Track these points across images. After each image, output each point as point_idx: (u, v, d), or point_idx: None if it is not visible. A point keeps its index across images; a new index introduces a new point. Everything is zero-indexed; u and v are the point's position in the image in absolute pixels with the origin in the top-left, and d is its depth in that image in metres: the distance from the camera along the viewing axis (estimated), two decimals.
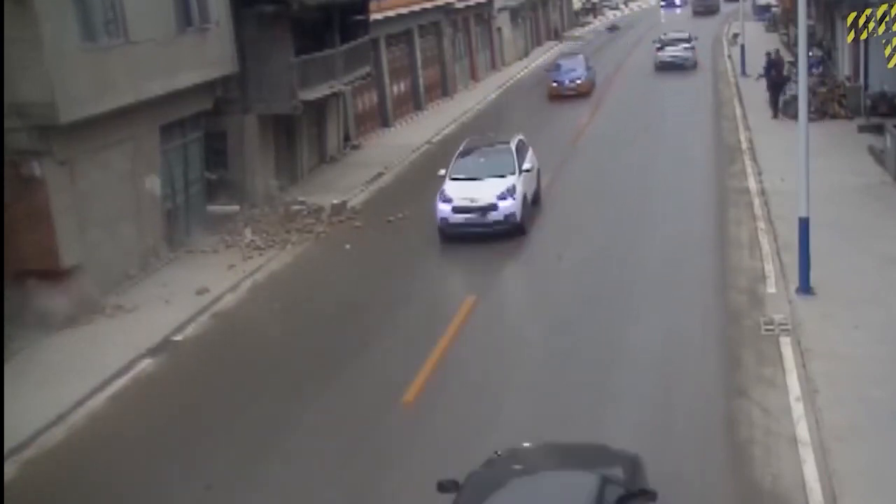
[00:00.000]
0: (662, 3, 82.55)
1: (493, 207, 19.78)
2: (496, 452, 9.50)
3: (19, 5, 15.42)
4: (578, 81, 38.71)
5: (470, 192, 19.98)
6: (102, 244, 17.85)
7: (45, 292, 16.51)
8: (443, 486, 8.82)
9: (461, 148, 22.36)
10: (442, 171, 21.20)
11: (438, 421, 12.71)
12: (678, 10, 76.59)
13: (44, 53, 15.81)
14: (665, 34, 48.22)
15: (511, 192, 20.04)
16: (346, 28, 27.65)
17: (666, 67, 43.62)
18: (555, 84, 38.94)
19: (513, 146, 21.59)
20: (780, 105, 30.75)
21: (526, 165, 21.24)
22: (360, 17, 29.12)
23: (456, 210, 19.87)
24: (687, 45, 44.68)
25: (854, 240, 17.82)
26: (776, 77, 31.47)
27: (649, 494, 8.47)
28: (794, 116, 18.83)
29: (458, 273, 18.66)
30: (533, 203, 21.75)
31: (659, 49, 45.12)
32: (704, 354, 13.97)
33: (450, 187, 20.42)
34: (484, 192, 19.95)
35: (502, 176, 20.37)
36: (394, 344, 15.44)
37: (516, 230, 20.01)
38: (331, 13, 26.58)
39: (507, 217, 19.82)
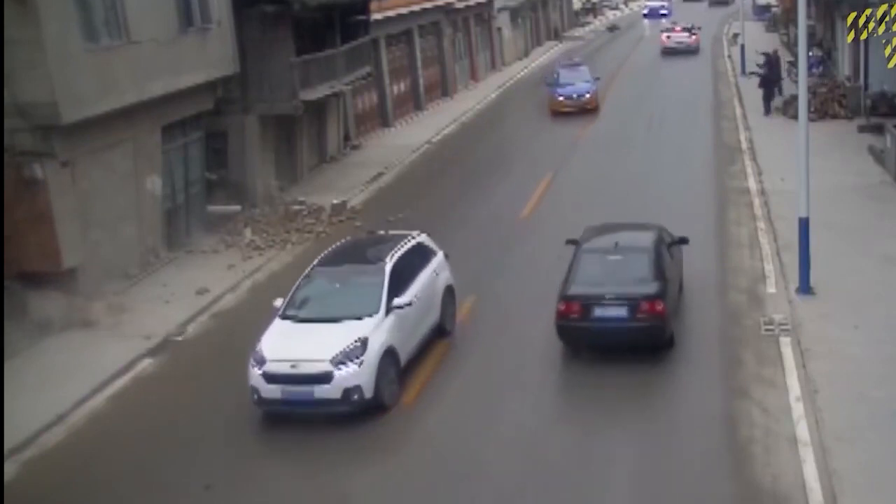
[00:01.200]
0: (645, 13, 74.94)
1: (324, 378, 12.48)
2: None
3: (21, 6, 15.42)
4: (588, 95, 34.69)
5: (294, 348, 12.91)
6: (103, 244, 17.86)
7: (45, 293, 16.52)
8: (569, 241, 15.82)
9: (324, 254, 15.32)
10: (278, 302, 14.03)
11: (438, 424, 12.71)
12: (664, 21, 65.59)
13: (46, 54, 15.81)
14: (673, 23, 56.62)
15: (357, 351, 12.61)
16: (346, 28, 27.65)
17: (671, 52, 50.40)
18: (561, 98, 34.86)
19: (387, 266, 13.91)
20: (775, 102, 31.09)
21: (404, 299, 13.63)
22: (360, 17, 29.12)
23: (269, 378, 12.67)
24: (690, 32, 51.49)
25: (854, 240, 17.83)
26: (769, 74, 31.86)
27: (685, 239, 15.81)
28: (794, 116, 18.86)
29: (459, 272, 18.61)
30: (444, 332, 14.99)
31: (667, 37, 51.67)
32: (704, 354, 13.97)
33: (270, 337, 13.31)
34: (314, 347, 12.78)
35: (356, 318, 13.07)
36: None
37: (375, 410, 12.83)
38: (332, 13, 26.58)
39: (346, 394, 12.47)
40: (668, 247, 14.97)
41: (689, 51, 50.45)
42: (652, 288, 13.68)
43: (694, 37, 51.32)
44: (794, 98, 22.54)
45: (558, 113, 34.81)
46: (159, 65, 18.99)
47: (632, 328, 13.58)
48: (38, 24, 15.66)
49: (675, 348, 14.17)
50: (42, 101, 15.94)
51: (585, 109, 34.59)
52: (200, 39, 20.99)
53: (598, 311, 13.65)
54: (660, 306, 13.41)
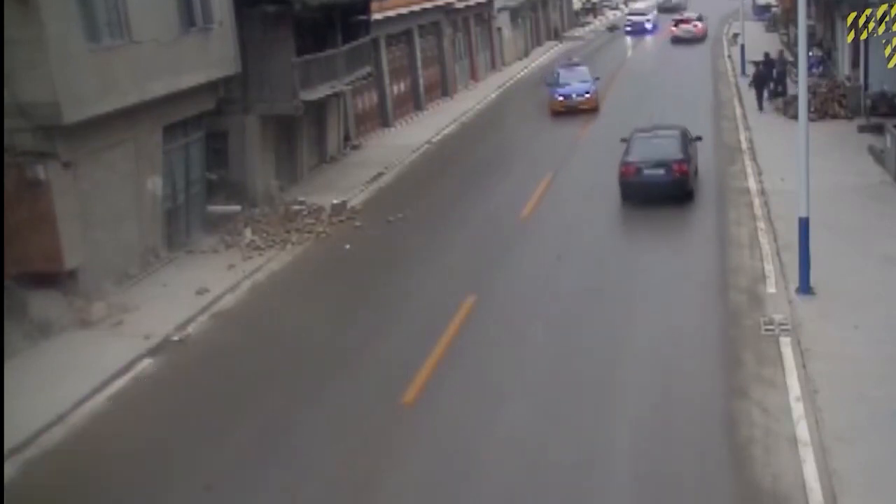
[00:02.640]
0: (627, 28, 63.07)
1: None
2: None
3: (24, 5, 15.43)
4: (587, 95, 34.91)
5: None
6: (104, 244, 17.86)
7: (46, 293, 16.53)
8: (623, 139, 23.61)
9: None
10: None
11: (438, 424, 12.72)
12: (648, 37, 59.00)
13: (48, 54, 15.81)
14: (681, 14, 61.59)
15: None
16: (347, 28, 27.66)
17: (679, 41, 55.58)
18: (560, 98, 35.07)
19: None
20: (776, 102, 31.39)
21: None
22: (361, 17, 29.12)
23: None
24: (696, 23, 56.92)
25: (854, 240, 17.83)
26: (764, 71, 32.51)
27: (700, 137, 23.68)
28: (794, 116, 18.86)
29: (459, 273, 18.65)
30: None
31: (674, 27, 57.08)
32: (704, 354, 13.98)
33: None
34: None
35: None
36: (394, 343, 15.44)
37: None
38: (332, 13, 26.58)
39: None
40: (689, 140, 23.17)
41: (696, 39, 55.41)
42: (680, 155, 21.79)
43: (700, 26, 56.53)
44: (794, 98, 22.53)
45: (558, 113, 34.97)
46: (161, 65, 18.99)
47: (667, 181, 21.46)
48: (40, 24, 15.66)
49: (675, 348, 14.18)
50: (44, 101, 15.94)
51: (584, 109, 34.71)
52: (202, 39, 20.99)
53: (647, 171, 21.67)
54: (685, 167, 21.52)
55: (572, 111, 34.74)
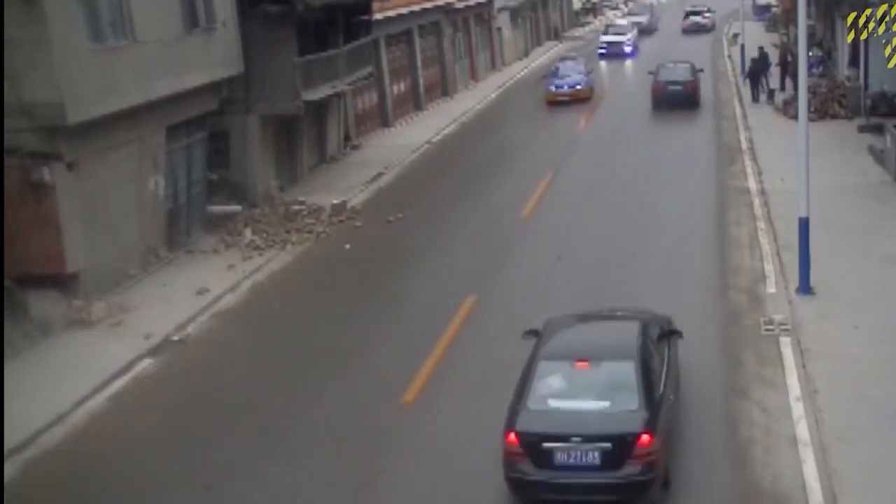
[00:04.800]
0: (601, 51, 51.72)
1: None
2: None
3: (28, 5, 15.43)
4: (578, 87, 37.51)
5: None
6: (105, 244, 17.85)
7: (46, 293, 16.53)
8: (650, 72, 33.01)
9: None
10: None
11: (438, 424, 12.72)
12: (629, 61, 50.06)
13: (52, 54, 15.81)
14: (692, 6, 65.04)
15: None
16: (348, 28, 27.66)
17: (690, 30, 60.62)
18: (553, 89, 37.75)
19: None
20: (775, 102, 31.90)
21: None
22: (363, 18, 29.12)
23: None
24: (706, 15, 62.41)
25: (854, 240, 17.83)
26: (760, 65, 33.76)
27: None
28: (794, 116, 18.86)
29: (459, 273, 18.65)
30: None
31: (685, 18, 62.70)
32: (704, 354, 13.97)
33: None
34: None
35: None
36: (394, 343, 15.44)
37: None
38: (335, 13, 26.58)
39: None
40: (696, 70, 31.47)
41: (705, 30, 60.67)
42: (691, 77, 31.77)
43: (708, 18, 62.14)
44: (794, 98, 22.53)
45: (553, 103, 37.15)
46: (164, 65, 18.99)
47: (683, 93, 31.05)
48: (44, 24, 15.66)
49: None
50: (48, 102, 15.94)
51: (578, 99, 37.09)
52: (205, 40, 21.00)
53: (670, 87, 31.81)
54: (695, 85, 31.82)
55: (566, 101, 36.97)
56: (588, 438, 9.82)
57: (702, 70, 36.32)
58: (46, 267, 16.54)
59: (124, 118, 17.91)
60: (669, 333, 12.02)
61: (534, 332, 11.97)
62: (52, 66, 15.83)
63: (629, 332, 11.30)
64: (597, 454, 9.81)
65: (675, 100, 33.50)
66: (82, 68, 16.55)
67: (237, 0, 22.43)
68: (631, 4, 77.00)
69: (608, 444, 9.78)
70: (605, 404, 10.19)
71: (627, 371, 10.36)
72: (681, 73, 34.58)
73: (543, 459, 9.90)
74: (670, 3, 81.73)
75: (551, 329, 11.85)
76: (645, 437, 9.73)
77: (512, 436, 10.08)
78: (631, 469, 9.74)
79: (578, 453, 9.84)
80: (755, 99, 33.52)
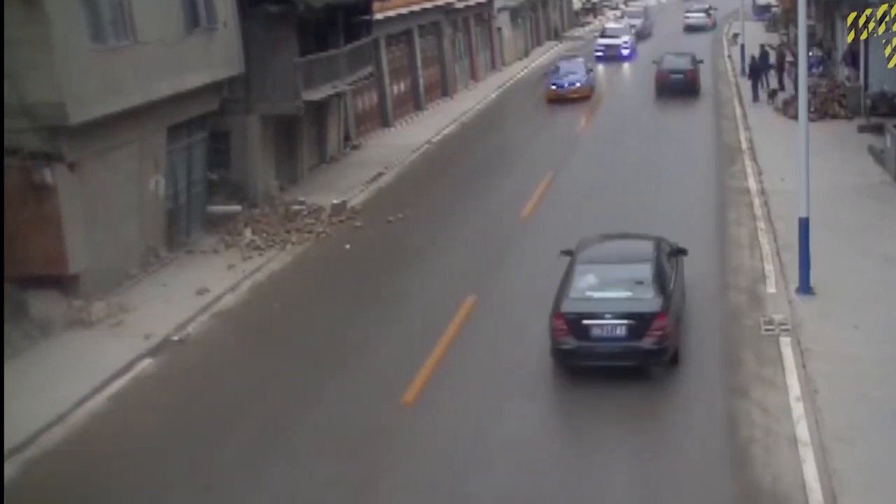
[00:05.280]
0: (598, 53, 50.11)
1: None
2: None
3: (29, 6, 15.42)
4: (578, 85, 37.98)
5: None
6: (105, 245, 17.84)
7: (46, 293, 16.53)
8: (654, 61, 37.05)
9: None
10: None
11: (438, 424, 12.73)
12: (626, 63, 49.03)
13: (53, 54, 15.80)
14: (692, 6, 67.37)
15: None
16: (348, 28, 27.66)
17: (690, 29, 61.68)
18: (553, 87, 38.21)
19: None
20: (775, 102, 31.92)
21: None
22: (363, 18, 29.12)
23: None
24: (706, 13, 63.97)
25: (854, 240, 17.84)
26: (761, 63, 34.14)
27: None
28: (794, 116, 18.86)
29: (459, 273, 18.65)
30: None
31: (686, 16, 64.20)
32: (704, 354, 13.98)
33: None
34: None
35: None
36: (394, 343, 15.44)
37: None
38: (335, 13, 26.57)
39: None
40: (696, 61, 35.40)
41: (706, 28, 61.62)
42: (691, 67, 35.32)
43: (709, 17, 63.66)
44: (794, 98, 22.54)
45: (554, 101, 37.65)
46: (166, 65, 18.99)
47: (684, 81, 35.38)
48: (45, 25, 15.65)
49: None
50: (49, 102, 15.94)
51: (578, 97, 37.56)
52: (206, 40, 21.00)
53: (672, 76, 34.73)
54: (694, 74, 35.17)
55: (565, 99, 37.54)
56: (617, 317, 12.91)
57: (702, 61, 39.46)
58: (48, 268, 16.56)
59: (125, 118, 17.91)
60: (677, 251, 15.12)
61: (568, 252, 14.83)
62: (53, 67, 15.83)
63: (646, 245, 14.54)
64: (623, 329, 12.88)
65: (677, 87, 36.37)
66: (83, 68, 16.54)
67: (238, 0, 22.43)
68: (624, 8, 76.14)
69: (632, 321, 12.83)
70: (628, 293, 13.29)
71: (645, 270, 13.58)
72: (682, 62, 37.44)
73: (582, 334, 13.00)
74: (670, 4, 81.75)
75: (584, 244, 15.03)
76: (659, 317, 12.82)
77: (558, 318, 13.09)
78: (648, 340, 12.78)
79: (609, 328, 12.94)
80: (756, 98, 33.68)
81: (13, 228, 16.12)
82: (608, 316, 12.95)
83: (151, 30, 18.62)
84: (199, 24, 20.71)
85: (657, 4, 79.70)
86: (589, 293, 13.46)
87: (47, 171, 16.28)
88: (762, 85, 34.10)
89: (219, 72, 21.55)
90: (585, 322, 12.98)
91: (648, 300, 13.09)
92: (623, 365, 13.15)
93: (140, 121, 18.58)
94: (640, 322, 12.81)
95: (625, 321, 12.88)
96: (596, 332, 12.97)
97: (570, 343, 13.03)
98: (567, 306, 13.22)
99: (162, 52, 18.92)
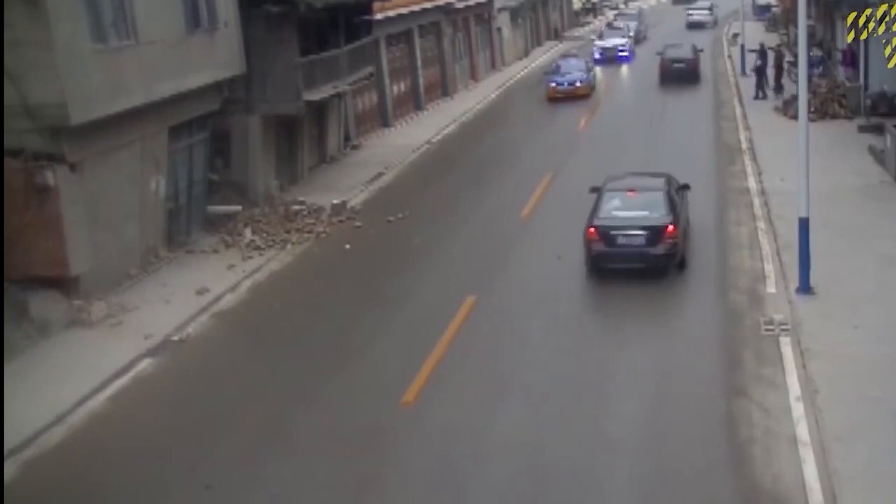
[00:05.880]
0: (596, 55, 49.05)
1: None
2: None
3: (31, 6, 15.42)
4: (578, 83, 38.50)
5: None
6: (105, 245, 17.84)
7: (46, 293, 16.53)
8: (658, 52, 40.67)
9: None
10: None
11: (438, 424, 12.73)
12: (625, 66, 48.63)
13: (55, 54, 15.79)
14: (693, 3, 70.42)
15: None
16: (349, 28, 27.65)
17: (692, 26, 63.26)
18: (553, 85, 38.70)
19: None
20: (776, 102, 32.13)
21: None
22: (364, 18, 29.12)
23: None
24: (708, 11, 66.12)
25: (854, 240, 17.84)
26: (763, 61, 34.24)
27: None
28: (794, 116, 18.85)
29: (459, 273, 18.65)
30: None
31: (689, 15, 65.95)
32: (704, 354, 13.98)
33: None
34: None
35: None
36: (394, 343, 15.44)
37: None
38: (336, 14, 26.57)
39: None
40: (697, 50, 37.83)
41: (708, 26, 63.47)
42: (692, 56, 39.98)
43: (712, 15, 65.90)
44: (794, 98, 22.53)
45: (554, 99, 38.15)
46: (167, 66, 18.99)
47: (685, 69, 39.32)
48: (47, 25, 15.64)
49: (675, 348, 14.19)
50: (51, 102, 15.92)
51: (578, 95, 38.08)
52: (208, 40, 21.00)
53: (674, 65, 39.58)
54: (696, 63, 39.30)
55: (565, 97, 38.01)
56: (637, 228, 16.65)
57: (702, 50, 43.28)
58: (50, 270, 16.55)
59: (128, 119, 17.90)
60: (683, 186, 19.02)
61: (595, 189, 18.41)
62: (55, 67, 15.81)
63: (658, 179, 18.45)
64: (642, 238, 16.64)
65: (679, 74, 39.82)
66: (85, 69, 16.53)
67: (239, 0, 22.43)
68: (618, 11, 75.60)
69: (648, 232, 16.58)
70: (646, 212, 16.97)
71: (658, 196, 17.37)
72: (684, 52, 41.05)
73: (611, 242, 16.80)
74: (661, 7, 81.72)
75: (610, 178, 18.70)
76: (670, 228, 16.60)
77: (592, 229, 16.92)
78: (661, 247, 16.56)
79: (631, 237, 16.71)
80: (757, 96, 33.78)
81: (15, 230, 16.11)
82: (630, 228, 16.69)
83: (153, 30, 18.62)
84: (201, 24, 20.71)
85: (648, 7, 79.68)
86: (615, 212, 17.20)
87: (49, 173, 16.27)
88: (766, 82, 34.24)
89: (220, 72, 21.55)
90: (613, 232, 16.79)
91: (661, 216, 16.82)
92: (641, 266, 16.87)
93: (142, 121, 18.58)
94: (654, 232, 16.60)
95: (643, 232, 16.62)
96: (621, 240, 16.78)
97: (601, 248, 16.82)
98: (599, 221, 17.01)
99: (164, 53, 18.92)
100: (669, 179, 18.42)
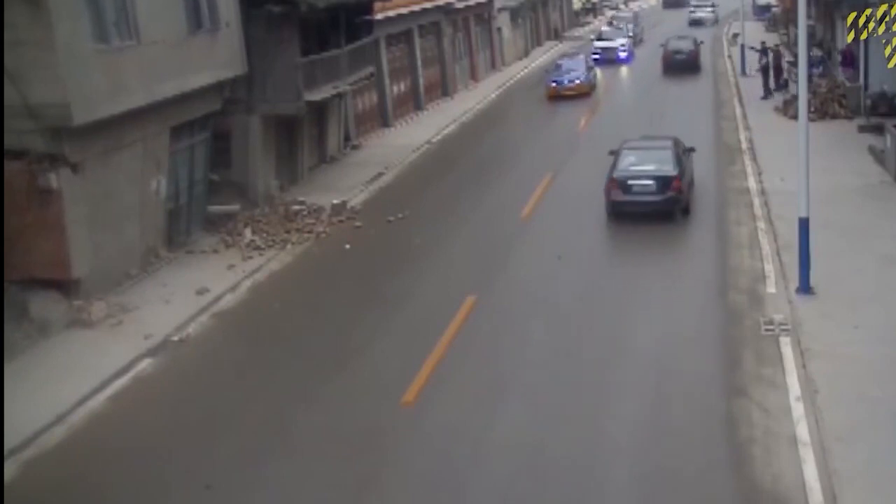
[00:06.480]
0: (596, 56, 48.09)
1: None
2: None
3: (33, 6, 15.42)
4: (577, 82, 38.81)
5: None
6: (106, 245, 17.83)
7: (46, 293, 16.53)
8: (661, 45, 44.94)
9: None
10: None
11: (438, 424, 12.72)
12: (624, 66, 48.64)
13: (58, 55, 15.78)
14: (686, 6, 74.40)
15: None
16: (349, 28, 27.65)
17: (694, 23, 65.92)
18: (553, 84, 38.99)
19: None
20: (776, 101, 32.26)
21: None
22: (365, 18, 29.10)
23: None
24: (710, 9, 69.30)
25: (854, 240, 17.83)
26: (766, 64, 34.64)
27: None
28: (794, 116, 18.85)
29: (459, 273, 18.65)
30: None
31: (691, 12, 69.54)
32: (704, 354, 13.99)
33: None
34: None
35: None
36: (394, 343, 15.44)
37: None
38: (337, 13, 26.57)
39: None
40: (698, 43, 42.28)
41: (710, 23, 66.09)
42: (693, 47, 43.80)
43: (713, 13, 69.06)
44: (794, 98, 22.52)
45: (555, 97, 38.54)
46: (169, 66, 18.99)
47: (687, 59, 43.13)
48: (49, 25, 15.63)
49: (675, 348, 14.21)
50: (54, 103, 15.91)
51: (578, 94, 38.46)
52: (209, 40, 21.00)
53: (676, 56, 43.37)
54: (696, 53, 43.30)
55: (565, 96, 38.43)
56: (649, 178, 20.11)
57: (702, 42, 47.28)
58: (51, 272, 16.55)
59: (129, 119, 17.90)
60: (688, 149, 22.48)
61: (613, 152, 21.70)
62: (57, 67, 15.80)
63: (668, 140, 21.89)
64: (653, 186, 20.03)
65: (681, 64, 43.07)
66: (87, 69, 16.52)
67: (240, 0, 22.43)
68: (614, 13, 75.31)
69: (658, 181, 20.01)
70: (656, 166, 20.37)
71: (667, 153, 20.86)
72: (684, 44, 44.44)
73: (627, 189, 20.23)
74: (652, 10, 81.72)
75: (626, 140, 22.34)
76: (676, 179, 20.02)
77: (612, 181, 20.41)
78: (669, 193, 19.96)
79: (644, 185, 20.11)
80: (766, 96, 33.89)
81: (16, 232, 16.10)
82: (643, 178, 20.09)
83: (155, 30, 18.61)
84: (203, 24, 20.71)
85: (647, 8, 79.71)
86: (631, 167, 20.56)
87: (53, 175, 16.26)
88: (770, 80, 34.44)
89: (222, 72, 21.55)
90: (629, 182, 20.19)
91: (669, 169, 20.20)
92: (653, 210, 20.15)
93: (143, 121, 18.57)
94: (663, 182, 19.98)
95: (653, 181, 20.00)
96: (636, 188, 20.15)
97: (620, 196, 20.23)
98: (617, 174, 20.47)
99: (166, 53, 18.92)
100: (677, 142, 21.80)
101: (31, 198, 16.26)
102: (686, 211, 20.42)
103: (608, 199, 20.43)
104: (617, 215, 20.53)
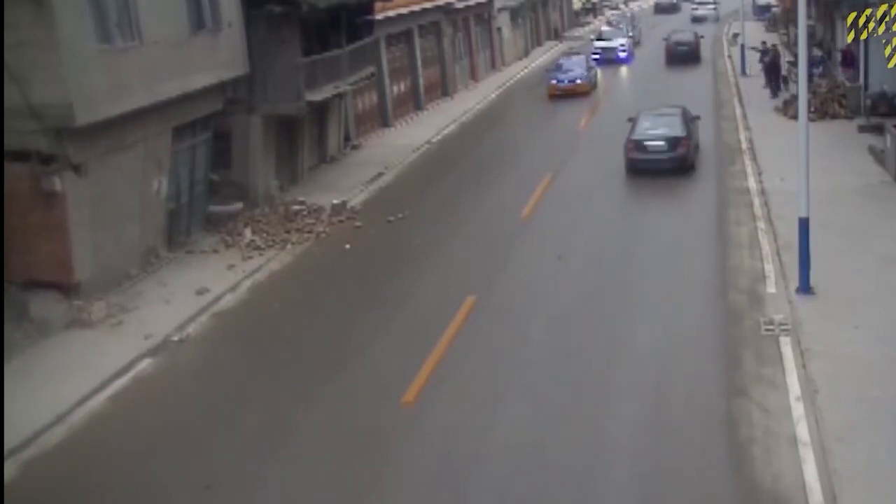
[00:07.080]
0: (595, 56, 47.47)
1: None
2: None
3: (36, 6, 15.42)
4: (578, 80, 39.21)
5: None
6: (106, 245, 17.85)
7: (46, 293, 16.54)
8: (664, 39, 49.60)
9: None
10: None
11: (438, 424, 12.73)
12: (624, 66, 48.67)
13: (60, 55, 15.78)
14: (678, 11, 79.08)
15: None
16: (350, 28, 27.64)
17: (696, 20, 69.58)
18: (554, 83, 39.33)
19: None
20: (775, 101, 32.38)
21: None
22: (365, 18, 29.09)
23: None
24: (712, 7, 74.42)
25: (854, 240, 17.83)
26: (770, 62, 35.10)
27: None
28: (794, 116, 18.85)
29: (459, 273, 18.65)
30: None
31: (694, 9, 74.05)
32: (704, 354, 13.98)
33: None
34: None
35: None
36: (394, 343, 15.44)
37: None
38: (338, 14, 26.57)
39: None
40: (699, 37, 48.62)
41: (711, 20, 70.43)
42: (694, 40, 47.98)
43: (715, 10, 73.84)
44: (794, 98, 22.52)
45: (555, 96, 39.06)
46: (172, 66, 18.99)
47: (689, 51, 47.24)
48: (52, 25, 15.64)
49: (675, 348, 14.22)
50: (56, 103, 15.91)
51: (578, 93, 38.99)
52: (211, 41, 21.00)
53: (678, 48, 47.38)
54: (698, 46, 47.40)
55: (566, 94, 38.91)
56: (661, 139, 24.29)
57: (703, 37, 50.51)
58: (53, 275, 16.57)
59: (131, 119, 17.90)
60: (696, 117, 26.61)
61: (631, 119, 25.84)
62: (60, 67, 15.81)
63: (677, 109, 26.12)
64: (665, 145, 24.18)
65: (682, 56, 46.51)
66: (90, 69, 16.52)
67: (242, 1, 22.43)
68: (611, 13, 75.19)
69: (669, 142, 24.13)
70: (667, 129, 24.51)
71: (676, 118, 25.14)
72: (686, 37, 48.14)
73: (643, 149, 24.37)
74: (644, 13, 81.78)
75: (642, 110, 26.45)
76: (684, 140, 24.21)
77: (631, 142, 24.54)
78: (679, 151, 24.10)
79: (657, 145, 24.26)
80: (775, 95, 34.06)
81: (19, 234, 16.09)
82: (657, 139, 24.26)
83: (157, 30, 18.62)
84: (205, 24, 20.71)
85: (645, 9, 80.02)
86: (646, 130, 24.66)
87: (56, 178, 16.25)
88: (781, 82, 34.55)
89: (224, 72, 21.55)
90: (645, 143, 24.32)
91: (678, 130, 24.43)
92: (664, 167, 24.00)
93: (145, 122, 18.58)
94: (673, 142, 24.12)
95: (665, 141, 24.15)
96: (651, 147, 24.26)
97: (637, 154, 24.33)
98: (635, 136, 24.60)
99: (168, 53, 18.92)
100: (684, 110, 26.05)
101: (34, 200, 16.26)
102: (692, 167, 24.41)
103: (627, 157, 24.53)
104: (635, 171, 24.44)
